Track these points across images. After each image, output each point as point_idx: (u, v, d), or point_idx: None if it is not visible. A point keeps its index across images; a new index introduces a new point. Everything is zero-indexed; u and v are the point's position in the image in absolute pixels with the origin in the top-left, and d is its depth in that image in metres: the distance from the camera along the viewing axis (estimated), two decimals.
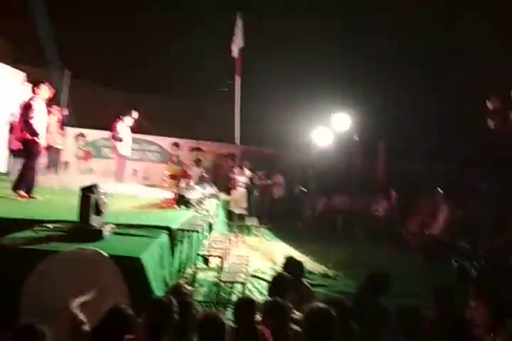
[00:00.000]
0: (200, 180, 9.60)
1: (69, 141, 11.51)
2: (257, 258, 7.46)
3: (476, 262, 7.15)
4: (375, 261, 7.49)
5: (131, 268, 4.02)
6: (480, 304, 4.37)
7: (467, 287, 4.80)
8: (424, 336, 3.40)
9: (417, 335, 3.42)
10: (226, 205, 10.31)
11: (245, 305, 3.39)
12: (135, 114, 9.45)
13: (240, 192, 10.71)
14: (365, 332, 3.67)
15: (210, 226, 7.50)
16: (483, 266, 7.08)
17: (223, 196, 10.16)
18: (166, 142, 12.38)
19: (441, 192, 9.47)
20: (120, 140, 9.25)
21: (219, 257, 6.11)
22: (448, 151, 14.14)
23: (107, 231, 4.60)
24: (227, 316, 4.74)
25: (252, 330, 3.22)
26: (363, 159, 12.71)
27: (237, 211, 10.45)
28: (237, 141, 12.10)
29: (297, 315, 3.65)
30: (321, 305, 3.38)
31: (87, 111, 11.64)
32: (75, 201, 4.52)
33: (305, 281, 4.89)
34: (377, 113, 12.44)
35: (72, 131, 11.74)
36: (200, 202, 7.29)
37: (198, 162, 11.49)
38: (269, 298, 3.86)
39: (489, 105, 11.19)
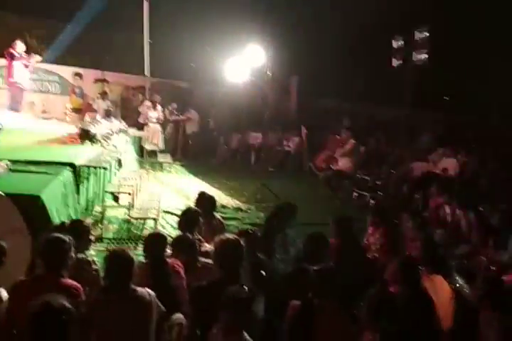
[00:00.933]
0: (107, 115, 8.99)
1: None
2: (171, 194, 7.42)
3: (374, 193, 7.81)
4: (285, 194, 7.84)
5: (31, 207, 3.80)
6: (377, 230, 4.82)
7: (366, 215, 5.22)
8: (327, 260, 3.66)
9: (321, 260, 3.67)
10: (137, 141, 9.92)
11: (155, 239, 3.37)
12: (29, 41, 8.35)
13: (152, 127, 10.29)
14: (272, 261, 3.89)
15: (120, 162, 7.21)
16: (381, 196, 7.77)
17: (134, 132, 9.71)
18: (67, 72, 11.22)
19: (347, 128, 9.93)
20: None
21: (129, 194, 5.97)
22: (355, 89, 14.70)
23: (0, 168, 4.21)
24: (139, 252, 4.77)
25: (163, 264, 3.25)
26: (276, 95, 12.74)
27: (148, 147, 10.12)
28: (147, 72, 11.37)
29: (208, 247, 3.73)
30: (230, 235, 3.47)
31: None
32: None
33: (217, 215, 4.99)
34: (291, 48, 12.33)
35: None
36: (107, 137, 6.91)
37: (103, 95, 10.66)
38: (179, 232, 3.89)
39: (394, 44, 11.61)
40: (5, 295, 2.72)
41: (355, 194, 7.72)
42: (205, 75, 11.84)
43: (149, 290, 2.71)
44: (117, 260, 2.69)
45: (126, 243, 5.30)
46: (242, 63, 11.25)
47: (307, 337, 2.77)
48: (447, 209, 5.80)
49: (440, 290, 3.30)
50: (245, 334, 2.43)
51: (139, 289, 2.69)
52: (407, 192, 7.76)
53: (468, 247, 4.44)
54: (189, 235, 3.68)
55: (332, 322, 2.76)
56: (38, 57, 9.06)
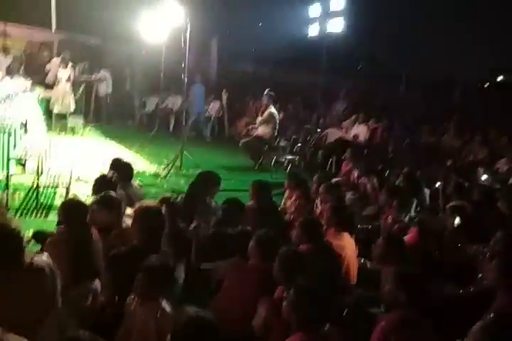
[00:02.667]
0: (9, 72, 8.15)
1: None
2: (84, 160, 7.05)
3: (292, 158, 8.07)
4: (205, 160, 7.82)
5: None
6: (291, 193, 5.04)
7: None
8: (245, 223, 3.78)
9: (238, 223, 3.78)
10: (45, 103, 9.15)
11: (75, 206, 3.18)
12: None
13: (61, 88, 9.51)
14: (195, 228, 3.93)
15: (25, 126, 6.65)
16: (298, 161, 8.07)
17: (41, 92, 8.93)
18: None
19: (267, 94, 9.98)
20: None
21: (37, 160, 5.57)
22: (273, 54, 14.76)
23: None
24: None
25: (87, 231, 3.10)
26: (195, 57, 12.36)
27: (58, 109, 9.41)
28: (54, 26, 10.38)
29: (127, 215, 3.64)
30: (151, 203, 3.44)
31: None
32: None
33: (134, 183, 4.86)
34: (212, 8, 11.92)
35: None
36: (8, 98, 6.30)
37: (4, 50, 9.62)
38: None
39: (310, 12, 11.70)
40: None
41: (274, 159, 7.91)
42: (119, 32, 11.07)
43: (46, 260, 2.51)
44: (5, 237, 2.41)
45: (35, 212, 5.02)
46: (160, 21, 10.64)
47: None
48: (356, 174, 6.20)
49: (348, 245, 3.58)
50: (163, 301, 2.45)
51: (36, 261, 2.46)
52: (321, 157, 8.12)
53: (374, 209, 4.82)
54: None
55: (256, 278, 2.89)
56: None
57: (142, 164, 7.44)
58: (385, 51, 19.04)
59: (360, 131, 8.75)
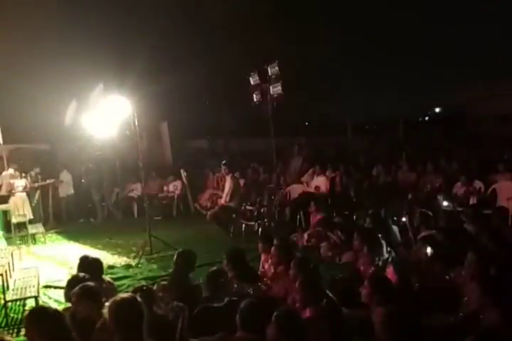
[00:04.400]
0: None
1: None
2: (49, 266, 6.81)
3: (261, 221, 8.09)
4: (176, 240, 7.70)
5: None
6: (267, 256, 5.01)
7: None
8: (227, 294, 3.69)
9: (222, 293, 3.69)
10: (2, 215, 8.96)
11: (38, 315, 3.01)
12: None
13: (17, 197, 9.39)
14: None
15: None
16: (267, 223, 8.09)
17: None
18: None
19: (224, 164, 10.21)
20: None
21: (0, 275, 5.32)
22: (224, 126, 15.35)
23: None
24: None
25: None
26: (148, 143, 12.66)
27: (16, 220, 9.18)
28: (1, 140, 10.47)
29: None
30: (124, 295, 3.31)
31: None
32: None
33: (106, 277, 4.70)
34: (157, 95, 12.47)
35: None
36: None
37: None
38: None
39: (251, 81, 12.44)
40: None
41: (243, 225, 7.91)
42: (66, 133, 11.29)
43: None
44: None
45: (6, 330, 4.69)
46: (107, 115, 10.96)
47: None
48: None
49: None
50: None
51: None
52: (289, 214, 8.20)
53: (350, 255, 4.81)
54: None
55: None
56: None
57: (111, 258, 7.24)
58: (326, 103, 20.21)
59: (320, 183, 8.99)
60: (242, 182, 9.95)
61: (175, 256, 4.59)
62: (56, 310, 3.04)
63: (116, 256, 7.33)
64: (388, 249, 4.44)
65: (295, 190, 9.06)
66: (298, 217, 7.93)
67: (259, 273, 4.92)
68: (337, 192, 8.77)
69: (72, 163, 11.32)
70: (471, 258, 3.47)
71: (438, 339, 2.70)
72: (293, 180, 10.03)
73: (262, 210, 8.43)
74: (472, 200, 6.73)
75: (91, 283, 3.41)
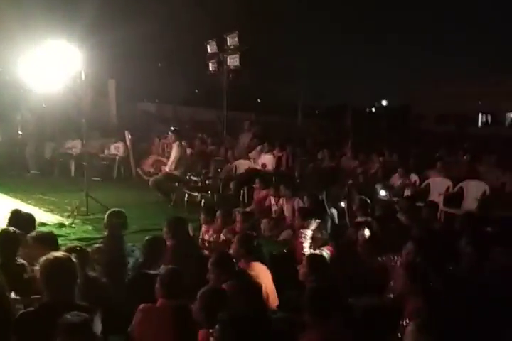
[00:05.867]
0: None
1: None
2: None
3: (203, 192, 8.07)
4: (114, 202, 7.48)
5: None
6: (208, 227, 5.04)
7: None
8: (164, 260, 3.68)
9: (156, 259, 3.68)
10: None
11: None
12: None
13: None
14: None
15: None
16: (209, 195, 8.09)
17: None
18: None
19: (172, 131, 9.99)
20: None
21: None
22: (176, 92, 14.93)
23: None
24: None
25: None
26: (93, 100, 12.04)
27: None
28: None
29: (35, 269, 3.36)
30: (57, 253, 3.20)
31: None
32: None
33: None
34: (108, 51, 11.82)
35: None
36: None
37: None
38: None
39: (208, 48, 12.13)
40: None
41: (186, 195, 7.85)
42: (7, 78, 10.47)
43: None
44: None
45: None
46: (52, 65, 10.23)
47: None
48: (272, 200, 6.39)
49: (261, 274, 3.62)
50: None
51: None
52: (233, 188, 8.24)
53: (289, 233, 4.97)
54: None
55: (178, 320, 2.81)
56: None
57: (43, 215, 6.93)
58: (281, 84, 20.19)
59: (267, 160, 9.08)
60: (189, 151, 9.83)
61: (106, 216, 4.47)
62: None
63: (49, 214, 7.03)
64: (327, 229, 4.63)
65: (242, 165, 9.09)
66: (242, 192, 7.99)
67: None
68: (282, 171, 8.92)
69: (8, 112, 10.55)
70: (410, 247, 3.67)
71: (364, 319, 2.87)
72: (241, 154, 10.04)
73: (206, 182, 8.40)
74: (407, 192, 7.12)
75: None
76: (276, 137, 11.45)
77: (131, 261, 4.15)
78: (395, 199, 6.55)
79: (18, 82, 10.07)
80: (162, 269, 3.40)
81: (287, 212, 6.08)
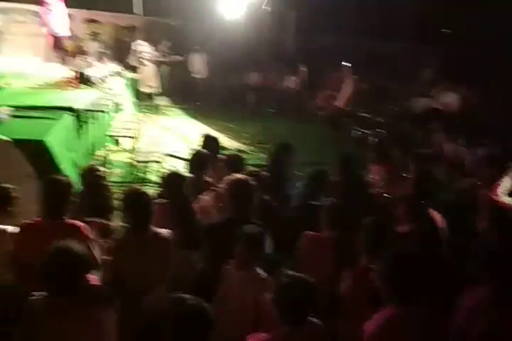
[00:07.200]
0: (101, 57, 8.67)
1: None
2: (171, 138, 7.40)
3: (375, 130, 7.79)
4: (285, 134, 7.81)
5: (36, 152, 3.80)
6: (378, 168, 4.87)
7: (368, 153, 5.25)
8: (329, 196, 3.74)
9: (323, 196, 3.75)
10: (133, 84, 9.67)
11: (177, 178, 3.35)
12: None
13: (146, 69, 9.95)
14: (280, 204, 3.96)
15: (117, 106, 7.10)
16: (381, 133, 7.76)
17: (129, 74, 9.43)
18: None
19: (348, 65, 9.65)
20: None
21: (131, 138, 5.95)
22: (354, 23, 14.08)
23: (3, 114, 4.17)
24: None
25: (188, 202, 3.29)
26: (272, 31, 12.22)
27: (145, 90, 9.89)
28: (139, 10, 10.79)
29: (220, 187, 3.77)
30: (240, 175, 3.51)
31: None
32: None
33: (222, 157, 4.99)
34: None
35: None
36: (102, 80, 6.73)
37: (94, 36, 10.22)
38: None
39: None
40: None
41: (356, 132, 7.70)
42: (198, 11, 11.23)
43: (169, 231, 2.75)
44: (136, 200, 2.71)
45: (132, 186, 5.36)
46: None
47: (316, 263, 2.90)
48: (449, 146, 5.83)
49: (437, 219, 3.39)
50: (257, 268, 2.55)
51: (160, 230, 2.73)
52: (408, 129, 7.73)
53: (472, 181, 4.48)
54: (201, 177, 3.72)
55: (340, 252, 2.90)
56: None
57: (225, 140, 7.62)
58: (475, 12, 17.27)
59: (450, 100, 8.18)
60: (363, 86, 9.44)
61: (272, 146, 4.63)
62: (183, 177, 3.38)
63: (229, 140, 7.71)
64: None
65: (420, 103, 8.37)
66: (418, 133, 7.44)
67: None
68: (468, 113, 7.94)
69: (197, 41, 11.41)
70: None
71: None
72: (420, 92, 9.23)
73: (378, 119, 8.05)
74: None
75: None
76: (465, 74, 10.10)
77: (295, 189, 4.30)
78: None
79: (207, 16, 10.79)
80: (326, 201, 3.48)
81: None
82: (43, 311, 2.04)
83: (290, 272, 2.15)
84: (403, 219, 3.27)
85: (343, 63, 9.27)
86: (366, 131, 7.75)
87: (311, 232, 3.12)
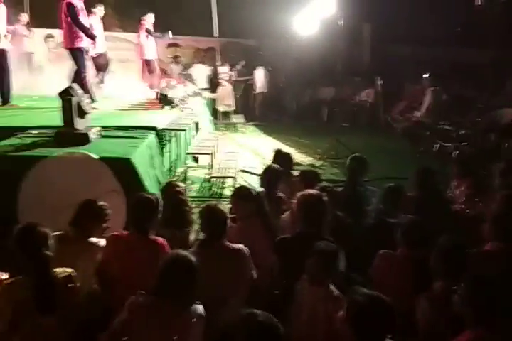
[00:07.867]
0: (185, 79, 9.23)
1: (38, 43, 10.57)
2: (246, 154, 7.60)
3: (457, 143, 7.39)
4: (361, 149, 7.65)
5: (122, 169, 4.09)
6: (461, 183, 4.61)
7: (449, 167, 4.98)
8: (406, 212, 3.60)
9: (399, 212, 3.63)
10: (211, 103, 10.11)
11: (245, 194, 3.46)
12: (101, 7, 8.50)
13: (224, 88, 10.38)
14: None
15: (197, 125, 7.45)
16: (466, 147, 7.35)
17: (207, 94, 9.90)
18: None
19: (427, 76, 9.32)
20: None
21: (208, 154, 6.20)
22: (434, 33, 13.56)
23: (93, 134, 4.55)
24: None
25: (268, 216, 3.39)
26: (348, 45, 12.15)
27: (222, 109, 10.30)
28: (216, 33, 11.32)
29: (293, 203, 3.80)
30: (312, 191, 3.52)
31: (51, 9, 10.53)
32: (55, 105, 4.38)
33: (295, 172, 5.03)
34: None
35: (40, 33, 10.67)
36: (183, 100, 7.13)
37: (176, 59, 10.87)
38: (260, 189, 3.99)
39: None
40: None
41: (436, 145, 7.34)
42: (272, 31, 11.53)
43: (244, 247, 2.82)
44: (213, 214, 2.82)
45: (209, 201, 5.57)
46: (311, 14, 10.71)
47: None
48: None
49: None
50: (330, 285, 2.52)
51: (234, 244, 2.81)
52: (494, 141, 7.24)
53: None
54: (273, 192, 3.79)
55: (416, 271, 2.78)
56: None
57: (298, 156, 7.66)
58: None
59: None
60: (444, 97, 9.04)
61: (348, 160, 4.53)
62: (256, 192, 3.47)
63: (302, 155, 7.75)
64: None
65: (508, 114, 7.80)
66: (504, 145, 6.95)
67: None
68: None
69: (272, 59, 11.67)
70: None
71: None
72: (507, 102, 8.62)
73: (461, 132, 7.62)
74: None
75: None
76: None
77: (371, 204, 4.18)
78: None
79: (282, 34, 11.01)
80: (403, 218, 3.35)
81: None
82: (144, 309, 2.16)
83: (366, 290, 2.09)
84: (488, 238, 3.07)
85: (423, 75, 8.95)
86: (447, 144, 7.37)
87: (386, 251, 3.03)
